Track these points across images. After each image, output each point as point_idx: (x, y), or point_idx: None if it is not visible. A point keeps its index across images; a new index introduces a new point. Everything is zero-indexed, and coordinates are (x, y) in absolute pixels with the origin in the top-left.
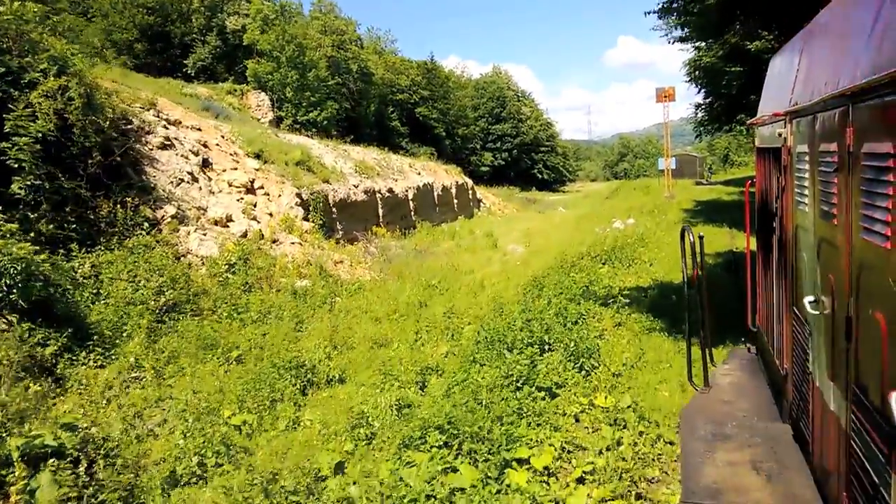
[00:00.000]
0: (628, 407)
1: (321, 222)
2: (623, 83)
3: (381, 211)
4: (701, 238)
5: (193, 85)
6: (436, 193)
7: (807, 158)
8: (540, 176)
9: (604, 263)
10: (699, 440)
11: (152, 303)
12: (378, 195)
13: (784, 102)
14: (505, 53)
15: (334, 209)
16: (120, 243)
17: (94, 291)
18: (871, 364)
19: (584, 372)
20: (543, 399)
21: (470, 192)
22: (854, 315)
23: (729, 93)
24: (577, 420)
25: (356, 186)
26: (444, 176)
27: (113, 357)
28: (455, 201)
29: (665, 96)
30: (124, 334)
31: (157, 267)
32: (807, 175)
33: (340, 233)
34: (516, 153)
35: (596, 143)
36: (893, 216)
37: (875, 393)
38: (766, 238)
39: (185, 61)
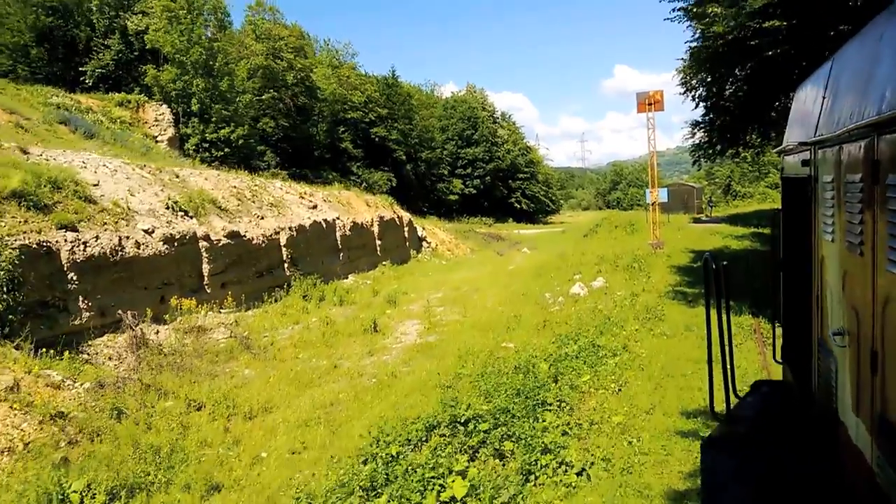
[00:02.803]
0: None
1: (5, 306)
2: (619, 112)
3: (206, 268)
4: (725, 265)
5: (78, 95)
6: (339, 234)
7: (832, 189)
8: (518, 206)
9: (481, 445)
10: (720, 473)
11: None
12: (203, 243)
13: (810, 132)
14: (503, 82)
15: (71, 274)
16: None
17: None
18: None
19: None
20: None
21: (406, 229)
22: (880, 348)
23: (737, 91)
24: None
25: (150, 232)
26: (364, 210)
27: None
28: (378, 242)
29: (649, 103)
30: None
31: None
32: (832, 206)
33: (84, 316)
34: (490, 180)
35: (592, 171)
36: None
37: None
38: (793, 269)
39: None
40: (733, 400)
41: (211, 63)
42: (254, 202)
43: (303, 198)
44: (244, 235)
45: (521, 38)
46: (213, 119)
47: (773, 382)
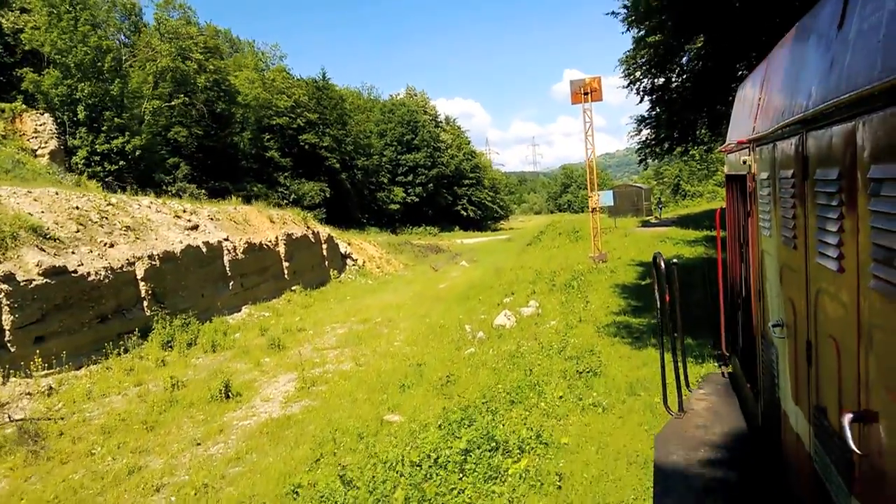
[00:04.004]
0: None
1: None
2: (570, 115)
3: (8, 319)
4: (675, 264)
5: None
6: (227, 258)
7: (768, 185)
8: (464, 213)
9: None
10: (672, 465)
11: None
12: (3, 286)
13: (748, 130)
14: (456, 89)
15: None
16: None
17: None
18: (829, 387)
19: None
20: None
21: (324, 246)
22: (813, 339)
23: (684, 82)
24: None
25: None
26: (266, 227)
27: None
28: (285, 265)
29: (585, 92)
30: None
31: None
32: (769, 201)
33: None
34: (433, 187)
35: (545, 175)
36: (842, 241)
37: (833, 415)
38: (738, 264)
39: None
40: (685, 393)
41: (99, 64)
42: (102, 226)
43: (179, 217)
44: (75, 271)
45: (473, 46)
46: (105, 128)
47: (723, 374)
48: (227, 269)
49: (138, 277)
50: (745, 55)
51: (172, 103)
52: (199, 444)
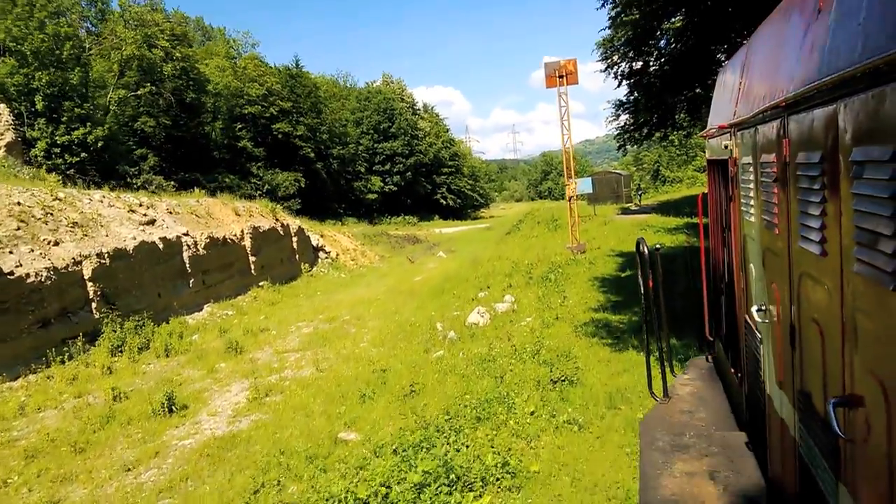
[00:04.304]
0: None
1: None
2: (550, 103)
3: None
4: (658, 249)
5: None
6: (187, 254)
7: (750, 169)
8: (444, 202)
9: None
10: (657, 451)
11: None
12: None
13: (729, 115)
14: (435, 76)
15: None
16: None
17: None
18: (813, 371)
19: None
20: None
21: (294, 239)
22: (796, 323)
23: (662, 66)
24: None
25: None
26: (231, 220)
27: None
28: (252, 259)
29: (561, 75)
30: None
31: None
32: (751, 186)
33: None
34: (411, 176)
35: (525, 162)
36: (825, 224)
37: (818, 400)
38: (721, 248)
39: None
40: (670, 379)
41: (58, 52)
42: (46, 223)
43: (133, 211)
44: (12, 273)
45: (453, 34)
46: (65, 119)
47: (707, 359)
48: (187, 265)
49: (86, 277)
50: (724, 36)
51: (139, 93)
52: (129, 470)
